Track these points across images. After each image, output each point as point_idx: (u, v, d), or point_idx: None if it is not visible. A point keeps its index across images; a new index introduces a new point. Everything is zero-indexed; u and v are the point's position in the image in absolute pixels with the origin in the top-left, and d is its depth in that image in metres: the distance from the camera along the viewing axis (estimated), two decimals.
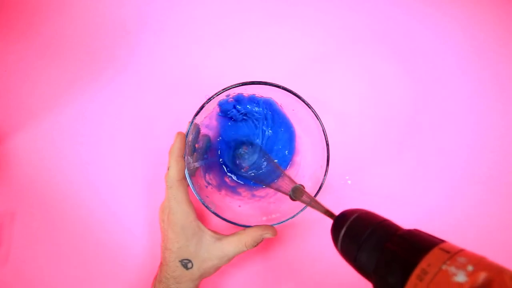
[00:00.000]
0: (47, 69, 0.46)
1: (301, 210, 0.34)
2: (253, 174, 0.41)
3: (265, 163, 0.40)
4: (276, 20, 0.47)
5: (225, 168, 0.42)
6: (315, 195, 0.34)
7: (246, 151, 0.42)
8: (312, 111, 0.34)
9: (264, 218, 0.36)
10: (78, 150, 0.45)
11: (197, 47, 0.46)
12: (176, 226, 0.33)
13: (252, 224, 0.35)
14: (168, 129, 0.45)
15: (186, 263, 0.34)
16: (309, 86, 0.44)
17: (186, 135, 0.35)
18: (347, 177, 0.44)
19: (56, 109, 0.45)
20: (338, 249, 0.26)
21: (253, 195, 0.41)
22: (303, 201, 0.31)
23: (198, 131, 0.38)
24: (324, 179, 0.34)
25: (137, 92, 0.46)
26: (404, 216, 0.44)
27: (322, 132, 0.34)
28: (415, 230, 0.23)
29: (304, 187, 0.31)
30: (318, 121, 0.34)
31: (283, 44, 0.46)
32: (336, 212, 0.27)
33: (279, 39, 0.46)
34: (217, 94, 0.34)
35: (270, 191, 0.41)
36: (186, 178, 0.34)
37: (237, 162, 0.42)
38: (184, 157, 0.34)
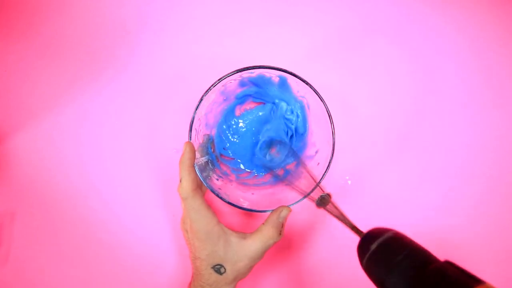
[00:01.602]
0: (47, 69, 0.46)
1: (308, 194, 0.35)
2: (280, 172, 0.41)
3: (292, 160, 0.40)
4: (276, 20, 0.47)
5: (231, 156, 0.43)
6: (328, 167, 0.35)
7: (276, 149, 0.42)
8: (311, 88, 0.36)
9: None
10: (78, 150, 0.45)
11: (197, 47, 0.46)
12: (199, 233, 0.33)
13: (268, 209, 0.35)
14: (168, 129, 0.45)
15: (218, 268, 0.33)
16: None
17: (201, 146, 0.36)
18: (347, 177, 0.44)
19: (56, 109, 0.45)
20: (363, 267, 0.25)
21: (263, 183, 0.42)
22: (329, 211, 0.30)
23: (210, 138, 0.40)
24: (331, 156, 0.35)
25: (137, 92, 0.46)
26: (404, 216, 0.44)
27: (325, 108, 0.36)
28: (450, 263, 0.22)
29: (331, 196, 0.31)
30: (318, 98, 0.36)
31: (283, 44, 0.46)
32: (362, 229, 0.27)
33: (279, 39, 0.46)
34: (214, 85, 0.35)
35: (258, 181, 0.42)
36: (199, 188, 0.34)
37: (265, 157, 0.42)
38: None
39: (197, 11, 0.47)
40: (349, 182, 0.44)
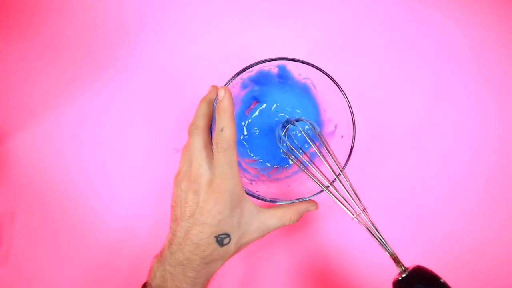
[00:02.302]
0: (47, 69, 0.46)
1: (318, 193, 0.35)
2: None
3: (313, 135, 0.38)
4: (276, 20, 0.47)
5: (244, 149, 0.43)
6: (350, 154, 0.35)
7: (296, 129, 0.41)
8: (310, 65, 0.36)
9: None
10: (78, 150, 0.45)
11: (197, 47, 0.46)
12: (225, 194, 0.29)
13: (309, 195, 0.35)
14: (167, 129, 0.45)
15: (222, 239, 0.30)
16: None
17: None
18: None
19: (56, 109, 0.45)
20: None
21: (294, 173, 0.42)
22: (366, 227, 0.30)
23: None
24: (353, 123, 0.35)
25: (137, 92, 0.46)
26: (404, 216, 0.44)
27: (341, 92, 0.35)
28: None
29: (366, 209, 0.31)
30: (335, 85, 0.36)
31: (283, 45, 0.46)
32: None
33: (279, 39, 0.46)
34: (251, 66, 0.35)
35: (288, 173, 0.41)
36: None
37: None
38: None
39: (197, 11, 0.47)
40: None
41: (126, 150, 0.45)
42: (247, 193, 0.34)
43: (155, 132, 0.45)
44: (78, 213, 0.44)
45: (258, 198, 0.35)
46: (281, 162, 0.42)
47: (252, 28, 0.47)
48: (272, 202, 0.35)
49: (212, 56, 0.46)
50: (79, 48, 0.46)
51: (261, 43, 0.46)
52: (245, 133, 0.42)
